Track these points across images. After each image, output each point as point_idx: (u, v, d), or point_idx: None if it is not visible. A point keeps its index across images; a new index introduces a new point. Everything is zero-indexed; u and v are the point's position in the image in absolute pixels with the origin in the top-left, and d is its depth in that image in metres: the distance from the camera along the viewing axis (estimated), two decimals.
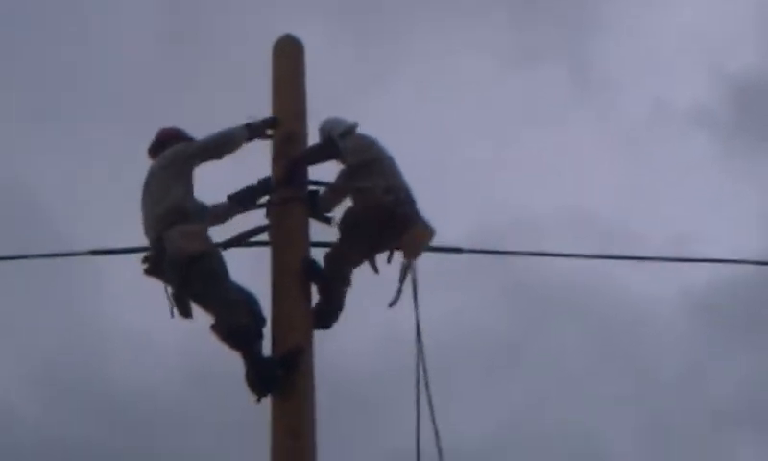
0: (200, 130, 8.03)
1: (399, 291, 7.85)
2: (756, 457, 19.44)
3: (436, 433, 7.47)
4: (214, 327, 7.33)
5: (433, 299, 8.11)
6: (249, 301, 7.46)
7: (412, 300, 7.90)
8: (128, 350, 19.66)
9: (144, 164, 7.90)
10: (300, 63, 8.31)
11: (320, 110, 8.31)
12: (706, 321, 21.03)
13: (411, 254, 7.94)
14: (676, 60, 25.47)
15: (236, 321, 7.25)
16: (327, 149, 8.08)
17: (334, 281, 7.73)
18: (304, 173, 8.00)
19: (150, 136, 8.00)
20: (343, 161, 8.05)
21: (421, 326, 7.77)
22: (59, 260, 8.32)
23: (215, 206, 8.03)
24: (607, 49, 25.41)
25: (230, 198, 8.03)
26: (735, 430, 19.90)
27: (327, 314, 7.72)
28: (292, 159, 7.97)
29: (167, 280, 7.48)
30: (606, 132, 24.82)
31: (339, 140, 8.02)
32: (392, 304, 7.87)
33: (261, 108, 8.14)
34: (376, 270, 7.93)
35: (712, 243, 19.54)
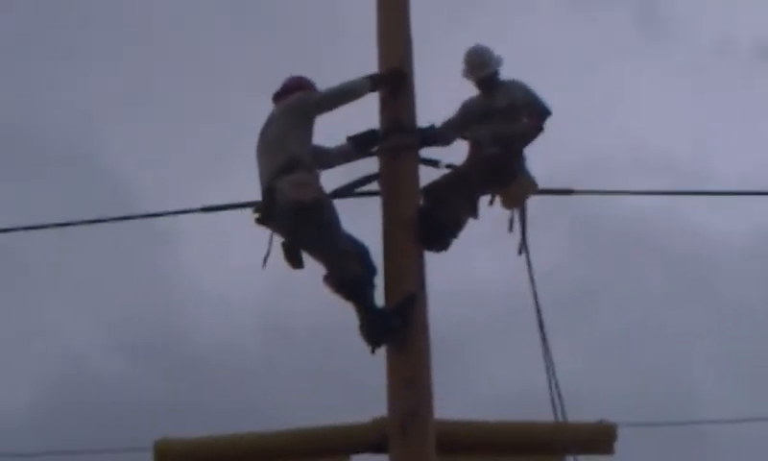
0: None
1: (524, 239, 7.89)
2: None
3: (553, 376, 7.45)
4: (327, 279, 7.34)
5: (506, 245, 8.06)
6: (360, 251, 7.43)
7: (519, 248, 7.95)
8: (207, 309, 19.87)
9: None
10: (405, 9, 8.14)
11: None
12: None
13: (510, 205, 7.98)
14: None
15: (349, 271, 7.25)
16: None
17: (448, 229, 7.71)
18: (413, 120, 7.89)
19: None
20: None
21: (506, 274, 7.80)
22: (138, 223, 8.36)
23: (335, 148, 8.00)
24: None
25: (350, 139, 7.93)
26: None
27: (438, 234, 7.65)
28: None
29: (277, 230, 7.47)
30: (673, 70, 24.58)
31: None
32: (520, 252, 7.97)
33: (366, 54, 8.06)
34: (476, 215, 7.90)
35: None
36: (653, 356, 19.23)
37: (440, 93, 8.38)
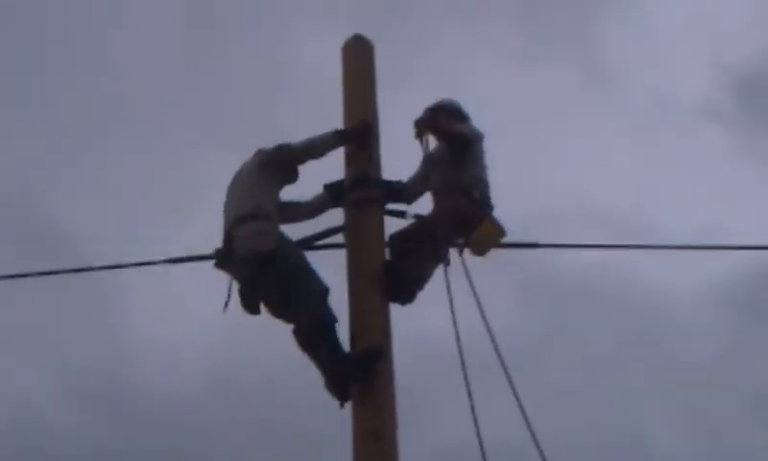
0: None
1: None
2: None
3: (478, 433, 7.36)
4: (295, 332, 7.30)
5: (459, 295, 8.04)
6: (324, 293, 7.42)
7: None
8: (154, 360, 19.76)
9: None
10: (370, 64, 8.24)
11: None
12: (731, 311, 21.13)
13: (478, 252, 7.96)
14: (676, 55, 25.45)
15: (313, 312, 7.23)
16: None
17: (414, 282, 7.73)
18: (379, 173, 7.96)
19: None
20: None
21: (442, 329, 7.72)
22: (86, 275, 8.30)
23: (306, 201, 8.08)
24: (611, 46, 25.37)
25: (326, 187, 8.01)
26: None
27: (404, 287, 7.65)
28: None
29: (235, 276, 7.50)
30: (617, 128, 24.83)
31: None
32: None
33: (332, 110, 8.11)
34: (448, 262, 7.88)
35: (732, 234, 19.48)
36: (605, 412, 19.34)
37: (405, 148, 8.41)
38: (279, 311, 7.43)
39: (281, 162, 7.77)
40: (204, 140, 20.78)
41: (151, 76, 22.95)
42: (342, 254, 7.73)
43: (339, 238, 7.86)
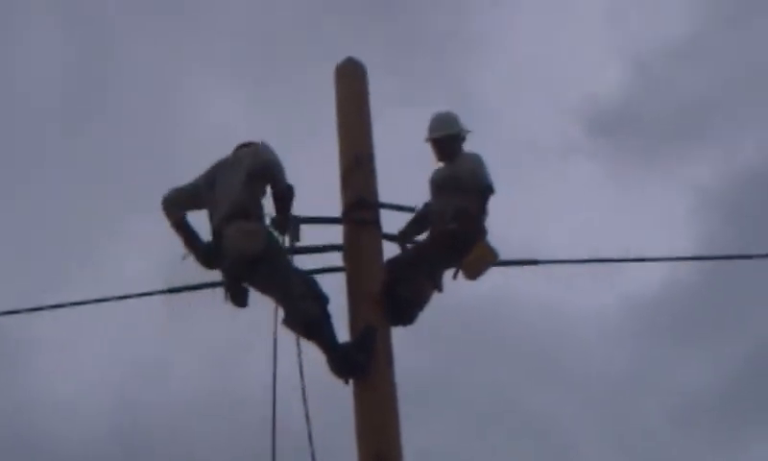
0: None
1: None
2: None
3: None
4: (286, 322, 7.39)
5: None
6: (311, 287, 7.50)
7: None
8: (54, 417, 19.37)
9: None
10: (363, 86, 8.23)
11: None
12: (632, 330, 21.63)
13: (472, 276, 7.96)
14: (535, 93, 25.90)
15: (306, 314, 7.32)
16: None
17: (412, 305, 7.74)
18: (375, 196, 7.93)
19: None
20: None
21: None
22: None
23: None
24: (477, 86, 25.73)
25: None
26: (690, 429, 20.45)
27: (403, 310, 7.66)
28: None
29: (224, 272, 7.56)
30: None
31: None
32: None
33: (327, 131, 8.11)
34: (441, 289, 7.92)
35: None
36: (519, 436, 19.54)
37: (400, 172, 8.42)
38: (274, 301, 7.48)
39: (265, 182, 7.71)
40: (96, 192, 20.47)
41: (42, 128, 22.53)
42: (341, 278, 7.70)
43: (338, 261, 7.83)
